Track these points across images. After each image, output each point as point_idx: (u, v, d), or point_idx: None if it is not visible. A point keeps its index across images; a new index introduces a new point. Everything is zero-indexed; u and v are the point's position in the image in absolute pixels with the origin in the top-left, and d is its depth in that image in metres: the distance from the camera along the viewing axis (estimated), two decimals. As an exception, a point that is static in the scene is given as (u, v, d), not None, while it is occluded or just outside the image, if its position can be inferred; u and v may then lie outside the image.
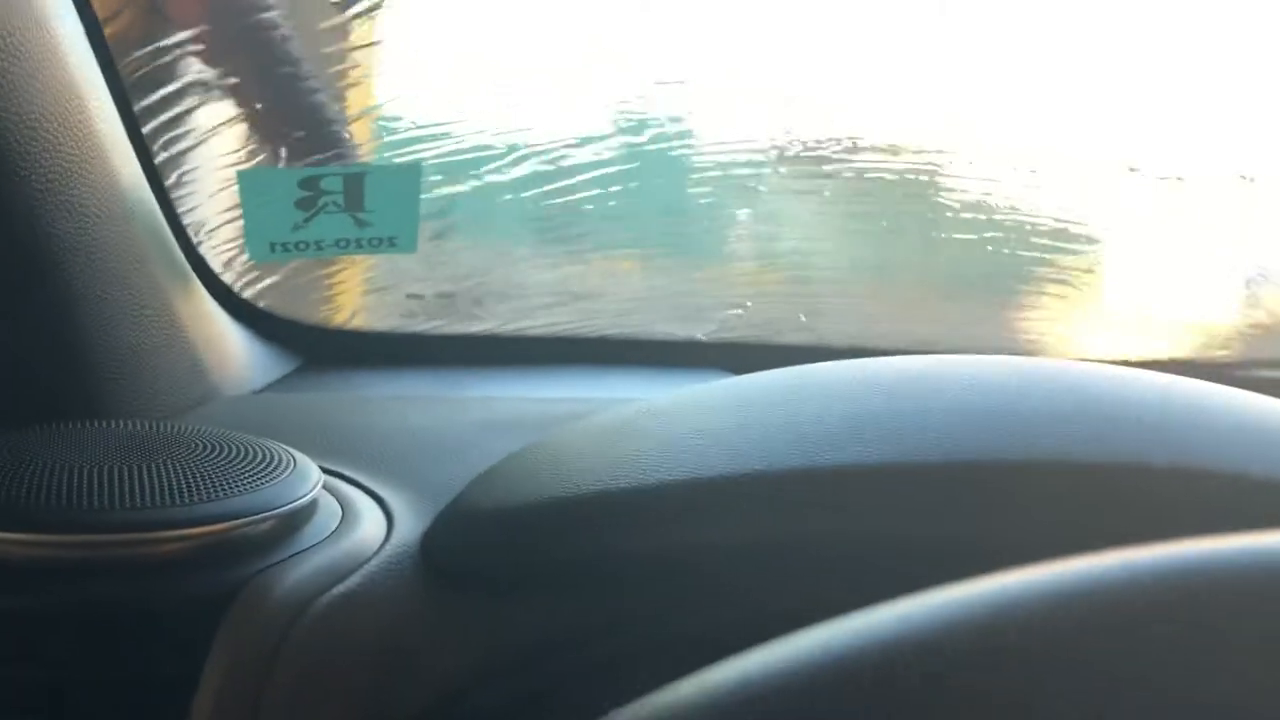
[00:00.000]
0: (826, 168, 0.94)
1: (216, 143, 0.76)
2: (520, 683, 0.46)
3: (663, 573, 0.46)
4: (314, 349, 0.82)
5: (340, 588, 0.46)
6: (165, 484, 0.46)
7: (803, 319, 0.95)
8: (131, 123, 0.66)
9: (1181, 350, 1.03)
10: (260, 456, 0.50)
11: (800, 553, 0.43)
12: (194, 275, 0.72)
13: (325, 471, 0.54)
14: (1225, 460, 0.41)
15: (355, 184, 0.72)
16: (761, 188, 0.95)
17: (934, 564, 0.30)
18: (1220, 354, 1.03)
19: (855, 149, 0.93)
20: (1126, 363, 0.92)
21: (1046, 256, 1.00)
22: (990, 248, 0.99)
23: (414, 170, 0.74)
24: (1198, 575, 0.25)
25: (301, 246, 0.74)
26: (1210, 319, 1.05)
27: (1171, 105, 0.95)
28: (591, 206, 0.90)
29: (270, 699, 0.42)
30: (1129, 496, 0.41)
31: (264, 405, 0.71)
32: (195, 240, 0.74)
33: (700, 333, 0.92)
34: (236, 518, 0.45)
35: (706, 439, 0.48)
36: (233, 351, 0.75)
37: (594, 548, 0.47)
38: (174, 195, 0.71)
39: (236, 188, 0.71)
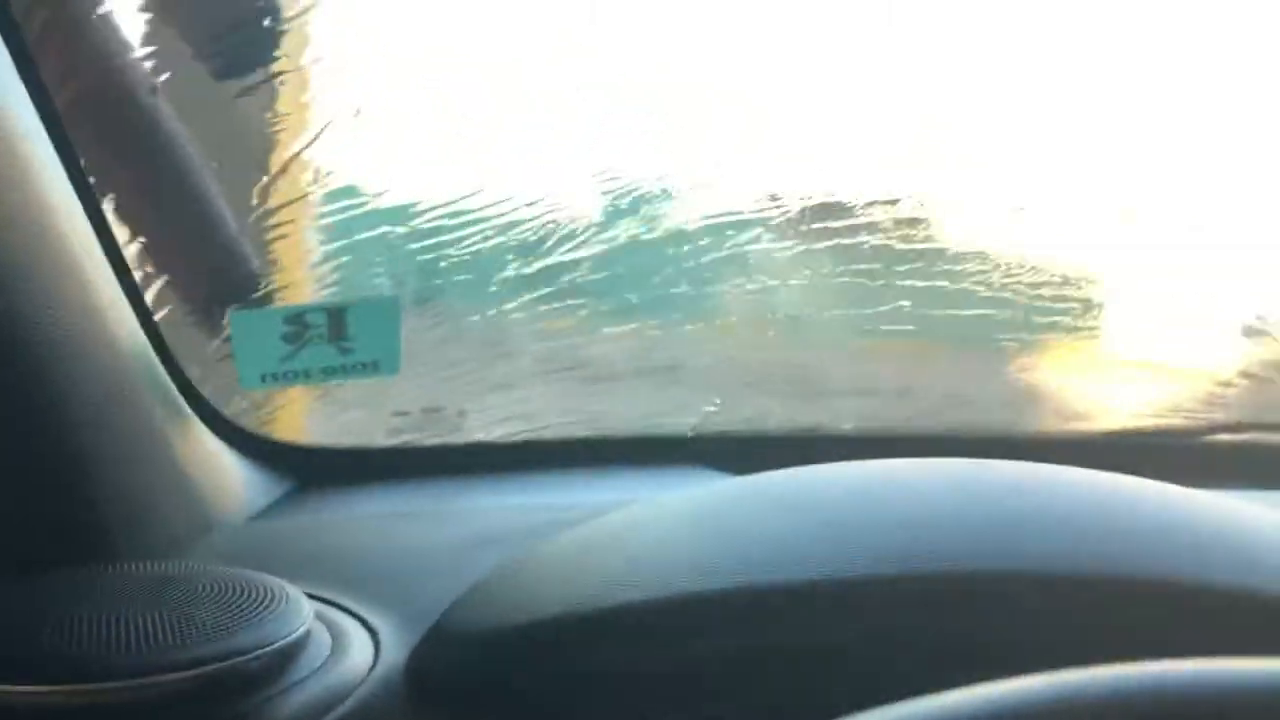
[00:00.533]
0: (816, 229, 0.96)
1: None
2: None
3: (645, 690, 0.49)
4: (307, 470, 0.85)
5: (331, 716, 0.49)
6: (165, 627, 0.49)
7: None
8: (111, 246, 0.69)
9: (1179, 407, 1.04)
10: (254, 594, 0.53)
11: (785, 665, 0.45)
12: (185, 404, 0.75)
13: (316, 599, 0.57)
14: (1218, 575, 0.44)
15: (338, 317, 0.76)
16: (753, 255, 0.97)
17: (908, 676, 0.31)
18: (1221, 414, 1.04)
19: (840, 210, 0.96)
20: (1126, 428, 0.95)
21: (1045, 315, 1.02)
22: (986, 308, 1.02)
23: (393, 301, 0.78)
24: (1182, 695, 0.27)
25: (291, 376, 0.78)
26: (1211, 372, 1.06)
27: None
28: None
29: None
30: (1117, 609, 0.43)
31: (259, 534, 0.74)
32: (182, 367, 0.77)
33: (688, 428, 0.95)
34: (233, 656, 0.48)
35: (684, 553, 0.52)
36: (228, 478, 0.78)
37: (574, 667, 0.50)
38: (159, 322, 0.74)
39: (229, 328, 0.76)
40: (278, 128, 0.79)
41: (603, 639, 0.49)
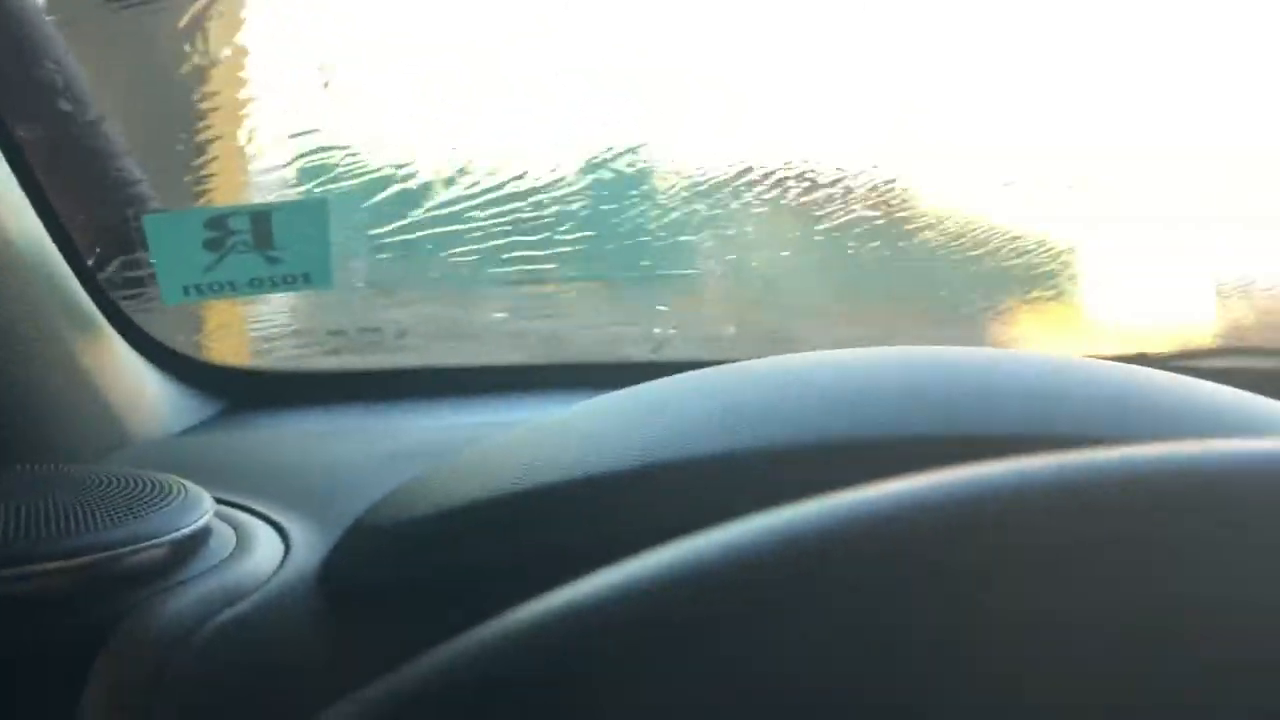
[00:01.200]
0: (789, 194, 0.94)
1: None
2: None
3: (551, 573, 0.46)
4: (238, 391, 0.81)
5: (229, 612, 0.46)
6: (46, 519, 0.45)
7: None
8: (25, 172, 0.66)
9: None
10: (148, 487, 0.50)
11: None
12: (105, 323, 0.72)
13: (224, 503, 0.54)
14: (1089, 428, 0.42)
15: (262, 222, 0.72)
16: (720, 213, 0.96)
17: None
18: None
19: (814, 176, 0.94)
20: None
21: (1017, 283, 1.01)
22: (957, 264, 1.00)
23: (320, 205, 0.74)
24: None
25: (215, 288, 0.74)
26: (1184, 323, 1.05)
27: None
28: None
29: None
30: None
31: (178, 448, 0.70)
32: (108, 290, 0.74)
33: (634, 354, 0.92)
34: (117, 547, 0.45)
35: (590, 443, 0.49)
36: (150, 396, 0.75)
37: (480, 558, 0.47)
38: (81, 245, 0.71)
39: (145, 233, 0.72)
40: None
41: (507, 528, 0.46)
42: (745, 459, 0.43)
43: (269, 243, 0.73)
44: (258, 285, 0.74)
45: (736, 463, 0.43)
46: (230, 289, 0.74)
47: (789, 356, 0.55)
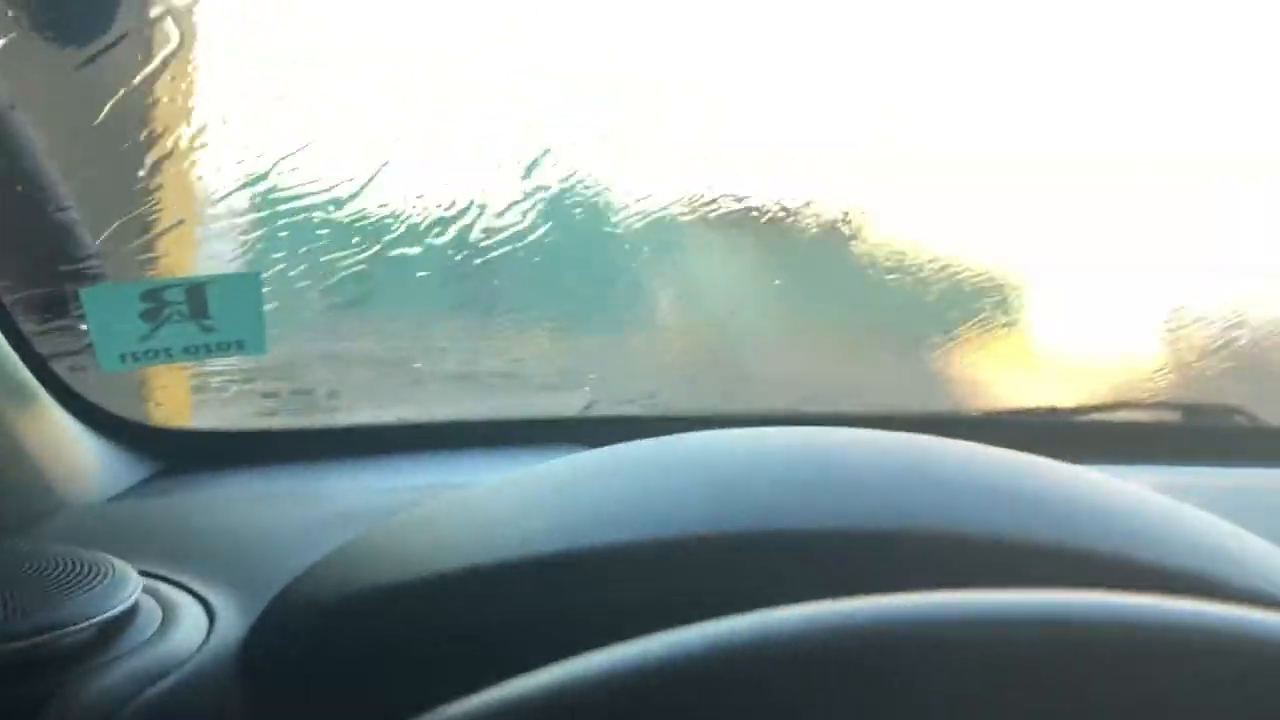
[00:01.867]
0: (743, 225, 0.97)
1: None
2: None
3: (472, 655, 0.49)
4: (175, 453, 0.83)
5: (152, 691, 0.48)
6: (-22, 603, 0.48)
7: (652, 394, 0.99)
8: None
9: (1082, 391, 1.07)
10: (78, 569, 0.52)
11: (607, 622, 0.46)
12: (40, 388, 0.74)
13: (151, 576, 0.56)
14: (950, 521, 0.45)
15: (197, 293, 0.75)
16: (673, 251, 0.98)
17: None
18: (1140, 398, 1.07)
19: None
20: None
21: (963, 308, 1.05)
22: (908, 301, 1.04)
23: (254, 278, 0.77)
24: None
25: (151, 355, 0.76)
26: (1127, 363, 1.09)
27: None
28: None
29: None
30: (864, 559, 0.44)
31: (111, 514, 0.72)
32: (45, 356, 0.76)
33: (566, 410, 0.95)
34: (45, 631, 0.47)
35: (514, 523, 0.52)
36: (84, 459, 0.77)
37: (404, 637, 0.49)
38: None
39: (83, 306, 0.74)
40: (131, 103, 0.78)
41: (431, 608, 0.48)
42: (640, 550, 0.46)
43: (204, 312, 0.75)
44: (192, 352, 0.77)
45: (631, 554, 0.46)
46: (166, 356, 0.76)
47: (696, 436, 0.58)
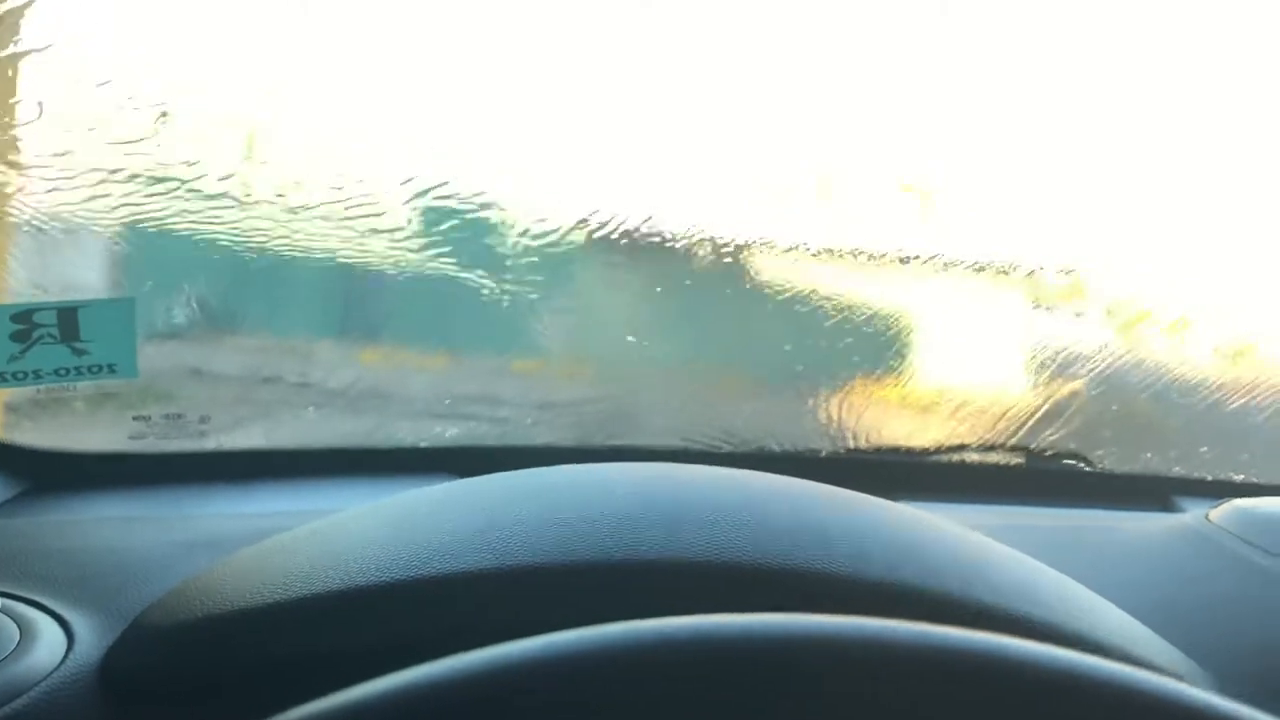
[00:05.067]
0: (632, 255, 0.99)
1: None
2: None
3: (326, 676, 0.51)
4: (40, 473, 0.83)
5: (7, 710, 0.49)
6: None
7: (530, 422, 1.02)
8: None
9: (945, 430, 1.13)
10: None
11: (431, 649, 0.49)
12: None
13: (9, 596, 0.57)
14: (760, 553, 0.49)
15: (69, 317, 0.75)
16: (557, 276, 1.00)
17: None
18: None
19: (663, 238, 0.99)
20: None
21: (846, 348, 1.09)
22: (782, 339, 1.08)
23: (128, 302, 0.78)
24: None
25: (20, 376, 0.76)
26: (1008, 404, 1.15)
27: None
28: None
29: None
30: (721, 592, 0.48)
31: None
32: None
33: (433, 438, 0.97)
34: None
35: (369, 550, 0.54)
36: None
37: (257, 658, 0.52)
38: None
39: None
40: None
41: (281, 632, 0.51)
42: (485, 578, 0.49)
43: (75, 335, 0.76)
44: (63, 374, 0.77)
45: (476, 580, 0.49)
46: (35, 378, 0.77)
47: (545, 471, 0.62)
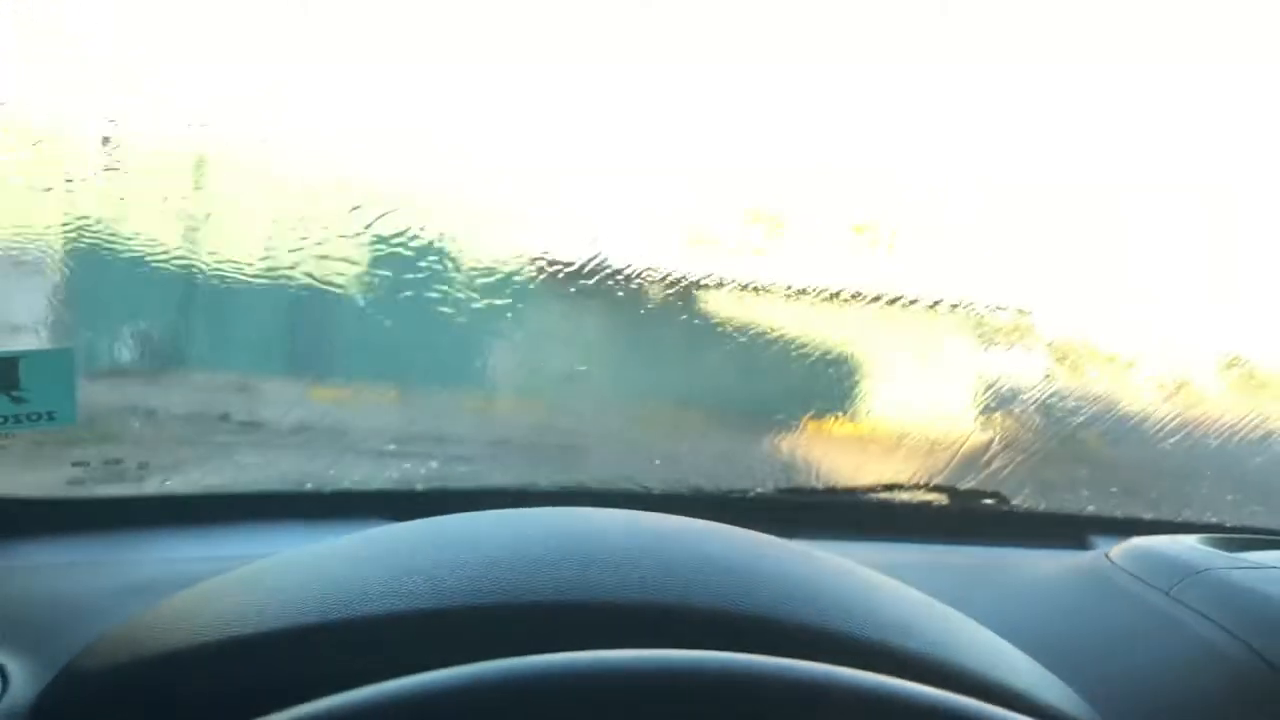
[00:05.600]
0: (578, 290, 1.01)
1: None
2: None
3: (247, 715, 0.53)
4: (-23, 519, 0.85)
5: (-60, 752, 0.51)
6: None
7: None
8: None
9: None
10: None
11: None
12: None
13: (-55, 643, 0.59)
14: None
15: (8, 367, 0.77)
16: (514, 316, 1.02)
17: None
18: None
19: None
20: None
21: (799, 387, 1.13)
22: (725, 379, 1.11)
23: (67, 353, 0.80)
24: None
25: (-42, 424, 0.78)
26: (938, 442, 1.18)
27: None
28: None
29: None
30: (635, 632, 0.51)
31: None
32: None
33: (371, 482, 1.00)
34: None
35: (297, 592, 0.57)
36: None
37: (190, 696, 0.54)
38: None
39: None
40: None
41: (210, 671, 0.53)
42: (402, 619, 0.52)
43: (15, 385, 0.78)
44: (2, 423, 0.79)
45: (395, 621, 0.52)
46: (-28, 425, 0.78)
47: (480, 516, 0.65)
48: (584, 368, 1.12)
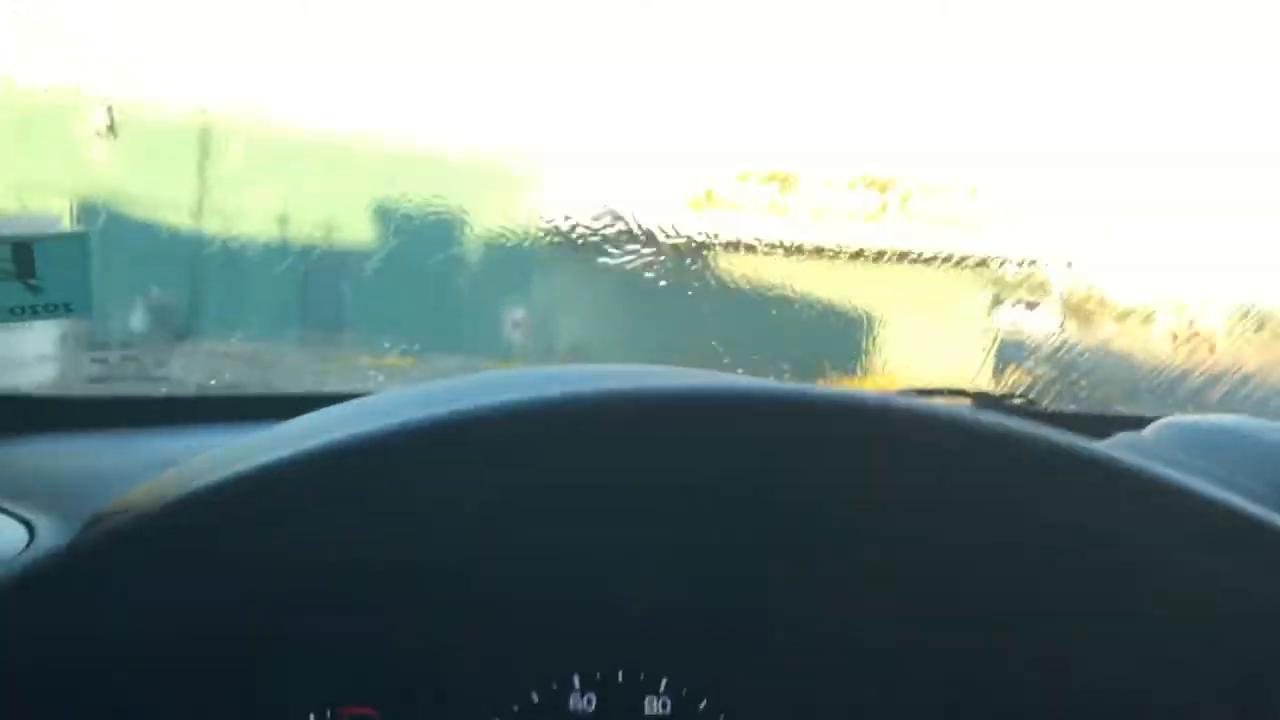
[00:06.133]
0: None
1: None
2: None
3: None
4: (-1, 417, 0.85)
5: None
6: None
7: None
8: None
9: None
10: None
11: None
12: None
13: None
14: None
15: (24, 252, 0.77)
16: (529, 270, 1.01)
17: None
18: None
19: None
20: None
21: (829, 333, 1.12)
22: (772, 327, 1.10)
23: (82, 238, 0.79)
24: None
25: (-24, 315, 0.78)
26: None
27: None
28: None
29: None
30: None
31: None
32: None
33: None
34: None
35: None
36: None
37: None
38: None
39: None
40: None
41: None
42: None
43: (31, 272, 0.77)
44: (18, 314, 0.79)
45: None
46: (-11, 315, 0.78)
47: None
48: (597, 331, 1.11)
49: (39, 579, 0.53)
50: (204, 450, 0.75)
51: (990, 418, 0.48)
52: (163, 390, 0.90)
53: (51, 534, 0.58)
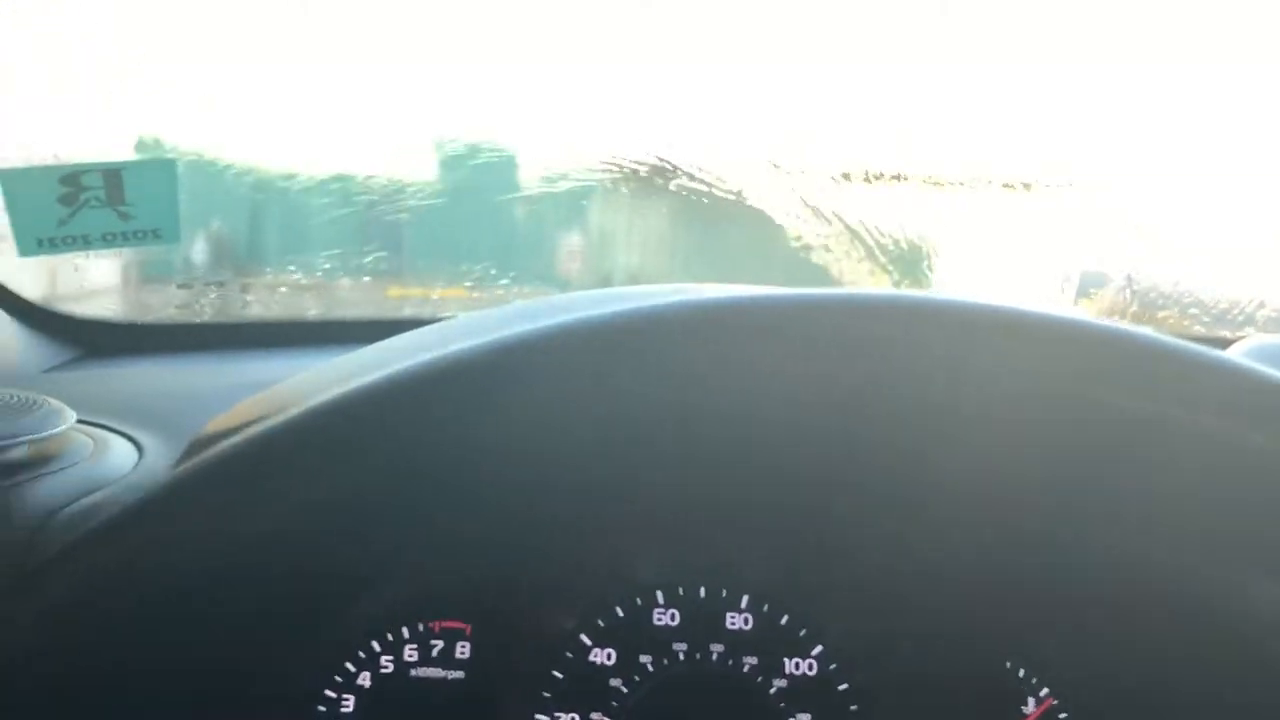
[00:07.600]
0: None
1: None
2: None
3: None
4: (92, 341, 0.87)
5: (86, 500, 0.53)
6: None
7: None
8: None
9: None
10: (15, 400, 0.57)
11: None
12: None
13: (85, 422, 0.61)
14: None
15: (114, 179, 0.78)
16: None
17: None
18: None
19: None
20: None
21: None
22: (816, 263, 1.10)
23: (169, 165, 0.81)
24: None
25: (69, 241, 0.79)
26: None
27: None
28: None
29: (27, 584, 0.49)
30: None
31: (38, 383, 0.76)
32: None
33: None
34: (-13, 444, 0.52)
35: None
36: (8, 345, 0.80)
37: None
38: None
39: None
40: None
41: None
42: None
43: (121, 199, 0.79)
44: (110, 240, 0.80)
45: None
46: (84, 243, 0.80)
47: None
48: (652, 260, 1.11)
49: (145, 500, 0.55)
50: (292, 373, 0.78)
51: (1105, 324, 0.47)
52: (248, 317, 0.92)
53: (159, 453, 0.60)
